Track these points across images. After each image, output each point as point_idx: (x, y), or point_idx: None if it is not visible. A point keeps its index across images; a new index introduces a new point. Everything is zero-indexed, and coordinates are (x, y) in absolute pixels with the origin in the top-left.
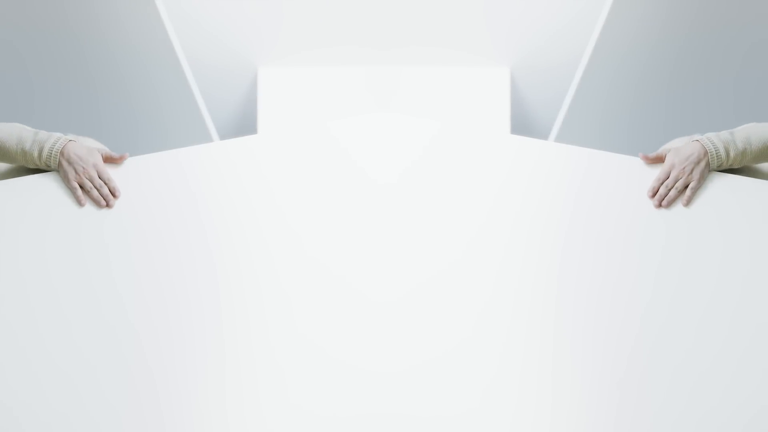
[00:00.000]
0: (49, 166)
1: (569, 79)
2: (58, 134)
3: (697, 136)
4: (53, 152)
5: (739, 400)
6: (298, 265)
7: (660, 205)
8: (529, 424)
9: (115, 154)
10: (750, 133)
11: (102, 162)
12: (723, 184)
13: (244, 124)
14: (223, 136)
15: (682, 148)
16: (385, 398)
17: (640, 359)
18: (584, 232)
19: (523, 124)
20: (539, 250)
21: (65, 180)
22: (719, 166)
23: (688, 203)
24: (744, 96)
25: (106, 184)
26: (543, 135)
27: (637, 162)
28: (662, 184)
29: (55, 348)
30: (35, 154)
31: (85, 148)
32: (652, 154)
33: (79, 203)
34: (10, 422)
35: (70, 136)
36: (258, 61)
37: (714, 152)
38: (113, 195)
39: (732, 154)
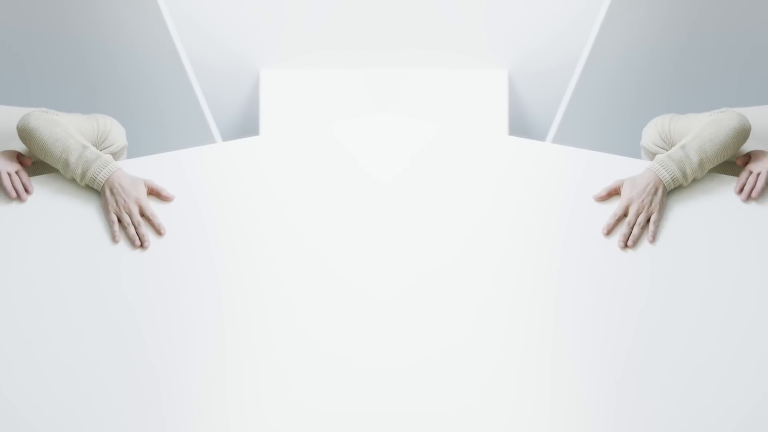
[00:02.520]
0: (89, 186)
1: (566, 82)
2: (107, 158)
3: (649, 163)
4: (98, 179)
5: (732, 396)
6: (299, 263)
7: (625, 246)
8: (528, 420)
9: (163, 189)
10: (703, 139)
11: (145, 196)
12: (716, 184)
13: (246, 125)
14: (226, 137)
15: (637, 179)
16: (385, 394)
17: (638, 357)
18: (581, 231)
19: (521, 125)
20: (537, 249)
21: (104, 209)
22: (680, 187)
23: (654, 239)
24: (744, 100)
25: (150, 220)
26: (540, 136)
27: (635, 163)
28: (619, 220)
29: (60, 344)
30: (78, 171)
31: (130, 179)
32: (604, 190)
33: (113, 239)
34: (16, 417)
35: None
36: (260, 64)
37: (669, 179)
38: (158, 233)
39: (689, 171)
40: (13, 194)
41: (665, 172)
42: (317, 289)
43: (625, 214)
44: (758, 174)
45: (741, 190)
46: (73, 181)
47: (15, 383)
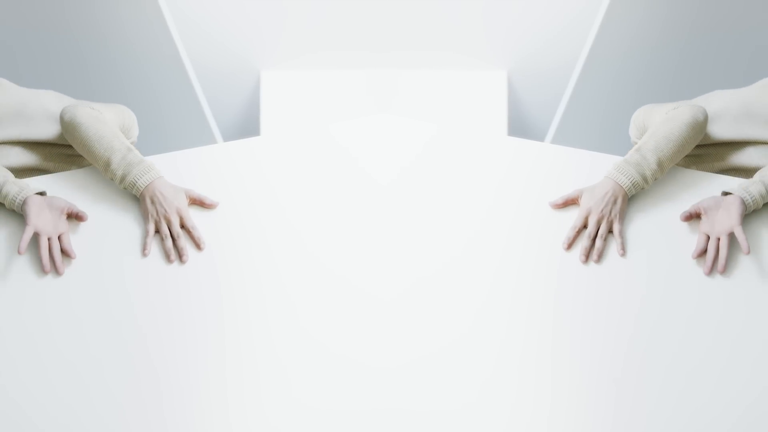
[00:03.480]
0: (126, 190)
1: (565, 82)
2: (149, 163)
3: (607, 170)
4: (138, 183)
5: (730, 394)
6: (299, 263)
7: (587, 260)
8: (528, 418)
9: (206, 198)
10: (658, 138)
11: (186, 206)
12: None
13: (247, 126)
14: (227, 137)
15: (596, 188)
16: (386, 393)
17: (637, 355)
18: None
19: (520, 126)
20: (536, 249)
21: (144, 218)
22: (642, 190)
23: (625, 251)
24: None
25: (190, 232)
26: (539, 137)
27: None
28: (579, 232)
29: (64, 343)
30: (119, 173)
31: (172, 187)
32: (561, 198)
33: (143, 251)
34: (19, 414)
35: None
36: (261, 65)
37: (630, 184)
38: (198, 246)
39: (649, 173)
40: (48, 268)
41: (624, 177)
42: (318, 289)
43: (585, 225)
44: (718, 240)
45: (699, 255)
46: (111, 181)
47: (18, 381)
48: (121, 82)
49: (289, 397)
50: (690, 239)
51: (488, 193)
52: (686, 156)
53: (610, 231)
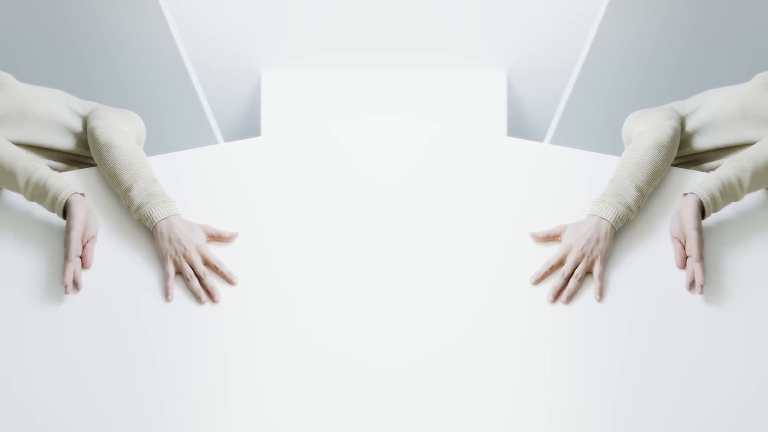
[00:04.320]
0: (140, 220)
1: (564, 83)
2: (170, 197)
3: (589, 207)
4: (153, 216)
5: (728, 392)
6: (300, 262)
7: (555, 300)
8: (528, 416)
9: (224, 232)
10: (629, 166)
11: (205, 243)
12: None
13: (247, 126)
14: (228, 138)
15: (580, 226)
16: (386, 391)
17: (635, 354)
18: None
19: (519, 126)
20: (536, 248)
21: (162, 260)
22: (628, 221)
23: (601, 297)
24: None
25: (216, 269)
26: (539, 137)
27: None
28: (553, 269)
29: (68, 340)
30: (136, 202)
31: (188, 225)
32: (543, 233)
33: (166, 297)
34: (23, 413)
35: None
36: (261, 66)
37: (614, 216)
38: (230, 282)
39: (631, 201)
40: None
41: (607, 209)
42: (319, 288)
43: (561, 263)
44: (695, 262)
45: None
46: (127, 208)
47: (24, 379)
48: (122, 83)
49: (290, 395)
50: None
51: (488, 192)
52: (685, 162)
53: (588, 272)
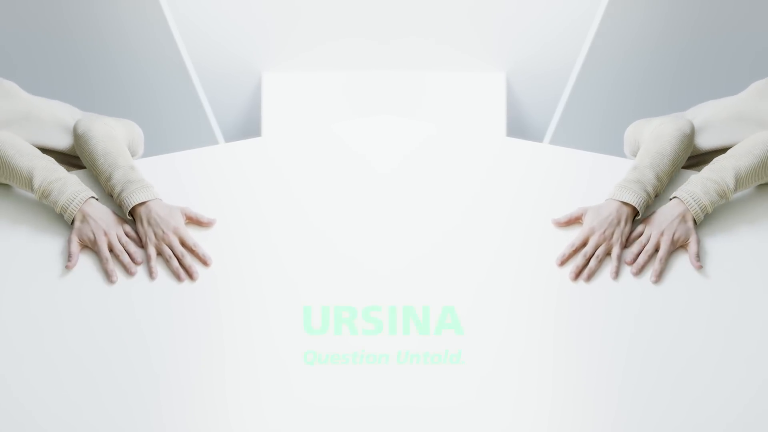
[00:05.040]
0: (120, 207)
1: (563, 84)
2: (148, 183)
3: (610, 191)
4: (130, 201)
5: (728, 390)
6: (300, 262)
7: (577, 279)
8: (528, 415)
9: (202, 216)
10: (652, 154)
11: (184, 225)
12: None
13: (248, 126)
14: (228, 138)
15: (601, 209)
16: (386, 390)
17: (638, 352)
18: (578, 231)
19: (519, 127)
20: (535, 248)
21: (143, 243)
22: (647, 207)
23: (617, 275)
24: None
25: (192, 250)
26: (538, 138)
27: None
28: (576, 251)
29: (75, 340)
30: (116, 189)
31: (167, 208)
32: (565, 216)
33: (150, 275)
34: (23, 413)
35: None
36: (262, 67)
37: (637, 201)
38: (204, 263)
39: (651, 189)
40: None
41: (630, 195)
42: (321, 288)
43: (584, 245)
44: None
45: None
46: (109, 196)
47: (24, 377)
48: (123, 84)
49: (290, 394)
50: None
51: (487, 192)
52: (683, 167)
53: (608, 254)
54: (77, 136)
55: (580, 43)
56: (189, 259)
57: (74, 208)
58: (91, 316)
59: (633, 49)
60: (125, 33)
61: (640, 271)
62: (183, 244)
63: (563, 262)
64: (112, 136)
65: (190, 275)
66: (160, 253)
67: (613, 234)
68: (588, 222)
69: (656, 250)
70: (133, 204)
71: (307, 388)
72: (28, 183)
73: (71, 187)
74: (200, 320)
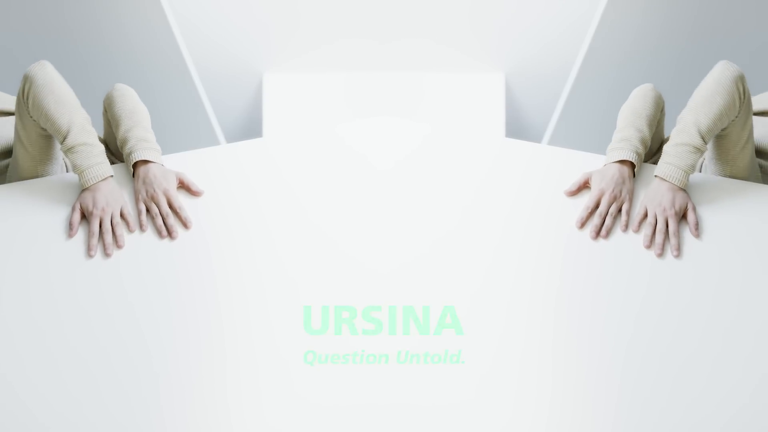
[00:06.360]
0: (127, 159)
1: (562, 85)
2: (155, 147)
3: (605, 157)
4: (136, 157)
5: (727, 389)
6: (300, 262)
7: (598, 236)
8: (528, 414)
9: (193, 184)
10: (625, 114)
11: (175, 188)
12: (719, 187)
13: (249, 127)
14: (230, 139)
15: (604, 171)
16: (386, 389)
17: (638, 351)
18: (578, 231)
19: (518, 128)
20: (534, 248)
21: (134, 198)
22: (642, 160)
23: (627, 228)
24: None
25: (176, 212)
26: (536, 139)
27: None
28: (592, 212)
29: (76, 339)
30: (129, 143)
31: (162, 170)
32: (574, 184)
33: (139, 227)
34: (24, 411)
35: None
36: (263, 68)
37: (633, 154)
38: (185, 225)
39: (639, 144)
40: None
41: (624, 152)
42: (322, 288)
43: (597, 205)
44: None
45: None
46: (120, 147)
47: (25, 375)
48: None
49: (291, 393)
50: (685, 236)
51: (486, 193)
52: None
53: (619, 210)
54: (113, 93)
55: (579, 44)
56: (172, 219)
57: (90, 176)
58: (91, 314)
59: (631, 50)
60: (127, 34)
61: (663, 250)
62: (170, 205)
63: (583, 224)
64: (143, 107)
65: (170, 233)
66: (148, 210)
67: (621, 192)
68: (596, 184)
69: (666, 226)
70: (138, 159)
71: (307, 388)
72: (62, 135)
73: (95, 158)
74: (201, 320)
